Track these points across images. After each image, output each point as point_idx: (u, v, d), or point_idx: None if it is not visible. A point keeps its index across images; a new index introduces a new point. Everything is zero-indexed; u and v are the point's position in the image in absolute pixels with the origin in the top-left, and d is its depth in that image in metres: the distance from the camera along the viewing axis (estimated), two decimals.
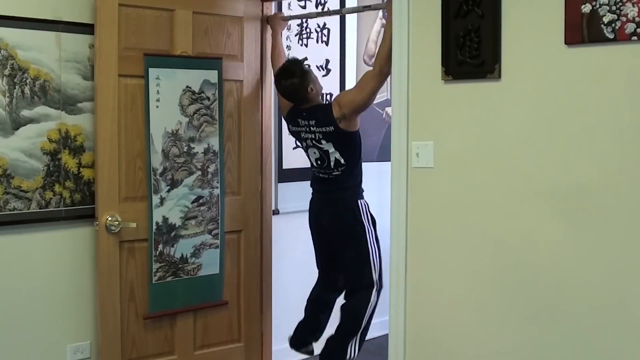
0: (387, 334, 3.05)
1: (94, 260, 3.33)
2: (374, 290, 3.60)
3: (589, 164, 2.41)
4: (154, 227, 3.36)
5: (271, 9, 3.87)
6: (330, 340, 3.74)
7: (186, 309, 3.51)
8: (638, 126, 2.30)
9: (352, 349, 3.66)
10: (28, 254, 3.18)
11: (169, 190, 3.39)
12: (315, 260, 3.87)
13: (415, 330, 2.91)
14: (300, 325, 3.86)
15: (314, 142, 3.57)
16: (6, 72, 3.06)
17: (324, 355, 3.77)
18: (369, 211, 3.63)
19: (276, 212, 4.10)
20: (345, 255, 3.65)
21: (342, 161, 3.54)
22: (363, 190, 3.67)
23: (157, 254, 3.38)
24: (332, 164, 3.56)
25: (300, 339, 3.84)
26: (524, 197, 2.57)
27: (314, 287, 3.88)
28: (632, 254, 2.33)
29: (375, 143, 4.80)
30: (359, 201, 3.60)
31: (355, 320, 3.62)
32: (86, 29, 3.23)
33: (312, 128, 3.55)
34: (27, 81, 3.12)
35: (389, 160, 2.97)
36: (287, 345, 4.16)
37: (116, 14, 3.21)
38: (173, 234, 3.42)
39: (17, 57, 3.08)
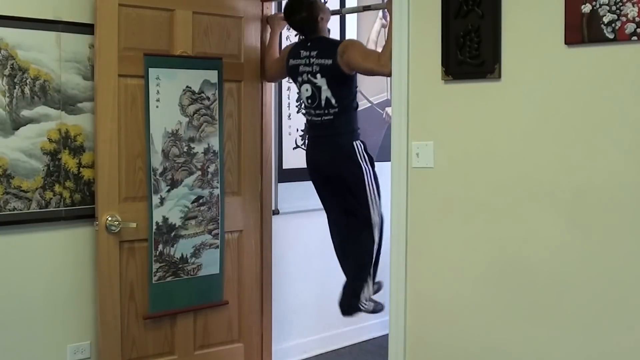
0: (387, 334, 3.05)
1: (94, 260, 3.33)
2: (375, 229, 3.59)
3: (589, 163, 2.41)
4: (154, 227, 3.36)
5: (271, 9, 3.87)
6: (344, 286, 3.71)
7: (186, 309, 3.50)
8: (638, 126, 2.30)
9: (367, 290, 3.64)
10: (28, 254, 3.18)
11: (169, 190, 3.39)
12: (328, 218, 3.82)
13: (415, 330, 2.91)
14: (344, 287, 3.78)
15: (309, 76, 3.56)
16: (6, 72, 3.06)
17: (341, 302, 3.73)
18: (366, 151, 3.61)
19: (276, 212, 4.11)
20: (345, 198, 3.63)
21: (333, 102, 3.52)
22: (359, 134, 3.65)
23: (157, 254, 3.38)
24: (322, 102, 3.54)
25: (344, 302, 3.77)
26: (524, 197, 2.57)
27: (332, 237, 3.81)
28: (633, 255, 2.33)
29: (375, 143, 4.80)
30: (354, 142, 3.58)
31: (362, 261, 3.61)
32: (86, 29, 3.23)
33: (311, 60, 3.55)
34: (27, 81, 3.12)
35: (389, 160, 2.97)
36: (287, 345, 4.18)
37: (116, 14, 3.21)
38: (173, 234, 3.42)
39: (17, 57, 3.08)
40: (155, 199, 3.35)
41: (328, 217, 3.81)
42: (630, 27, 2.28)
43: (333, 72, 3.49)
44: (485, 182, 2.68)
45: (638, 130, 2.30)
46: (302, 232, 4.37)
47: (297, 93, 3.73)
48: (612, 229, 2.37)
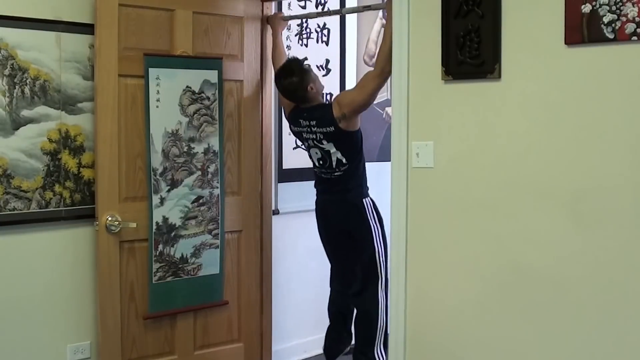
0: (387, 334, 3.05)
1: (94, 260, 3.33)
2: (380, 288, 3.60)
3: (588, 164, 2.41)
4: (154, 227, 3.36)
5: (271, 9, 3.87)
6: (355, 352, 3.73)
7: (186, 309, 3.50)
8: (638, 126, 2.30)
9: (379, 352, 3.66)
10: (28, 254, 3.18)
11: (169, 190, 3.39)
12: (329, 275, 3.86)
13: (415, 330, 2.91)
14: (329, 333, 3.85)
15: (315, 142, 3.57)
16: (6, 72, 3.06)
17: (327, 347, 3.77)
18: (375, 209, 3.63)
19: (276, 212, 4.10)
20: (353, 255, 3.65)
21: (344, 161, 3.54)
22: (368, 189, 3.67)
23: (157, 254, 3.38)
24: (334, 164, 3.56)
25: (334, 350, 3.85)
26: (524, 197, 2.57)
27: (331, 292, 3.86)
28: (634, 255, 2.33)
29: (375, 143, 4.80)
30: (364, 200, 3.60)
31: (371, 324, 3.62)
32: (86, 29, 3.23)
33: (313, 128, 3.55)
34: (27, 81, 3.12)
35: (389, 160, 2.97)
36: (287, 345, 4.18)
37: (116, 14, 3.21)
38: (173, 234, 3.42)
39: (17, 57, 3.08)
40: (155, 199, 3.35)
41: (332, 285, 3.85)
42: (630, 27, 2.28)
43: (338, 137, 3.49)
44: (485, 182, 2.68)
45: (638, 130, 2.30)
46: (302, 232, 4.37)
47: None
48: (613, 229, 2.37)
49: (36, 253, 3.20)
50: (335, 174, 3.59)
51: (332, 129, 3.48)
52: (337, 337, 3.84)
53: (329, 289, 3.90)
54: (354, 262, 3.65)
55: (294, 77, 3.52)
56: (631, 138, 2.31)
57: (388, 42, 3.19)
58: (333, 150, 3.53)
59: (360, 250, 3.61)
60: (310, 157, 3.68)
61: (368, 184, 3.68)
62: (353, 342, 3.83)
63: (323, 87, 3.72)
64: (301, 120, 3.61)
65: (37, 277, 3.21)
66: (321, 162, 3.60)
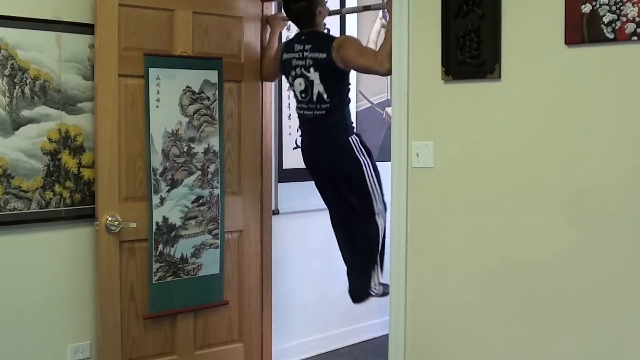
0: (387, 334, 3.05)
1: (94, 260, 3.33)
2: (379, 218, 3.59)
3: (589, 164, 2.41)
4: (154, 227, 3.36)
5: (271, 9, 3.87)
6: (352, 274, 3.72)
7: (186, 309, 3.50)
8: (638, 126, 2.30)
9: (375, 276, 3.65)
10: (28, 254, 3.18)
11: (169, 190, 3.39)
12: (330, 215, 3.82)
13: (415, 330, 2.91)
14: (349, 274, 3.79)
15: (302, 70, 3.53)
16: (6, 72, 3.06)
17: (350, 290, 3.74)
18: (362, 144, 3.60)
19: (276, 212, 4.10)
20: (347, 192, 3.64)
21: (325, 97, 3.50)
22: (354, 128, 3.66)
23: (157, 254, 3.38)
24: (314, 97, 3.52)
25: (354, 290, 3.77)
26: (524, 197, 2.57)
27: (333, 226, 3.81)
28: (634, 255, 2.33)
29: (375, 143, 4.80)
30: (349, 138, 3.57)
31: (369, 248, 3.61)
32: (86, 29, 3.23)
33: (305, 53, 3.52)
34: (27, 81, 3.12)
35: (389, 160, 2.97)
36: (287, 345, 4.17)
37: (116, 14, 3.21)
38: (173, 234, 3.42)
39: (17, 57, 3.08)
40: (156, 199, 3.35)
41: (329, 211, 3.81)
42: (630, 27, 2.28)
43: (327, 67, 3.46)
44: (485, 182, 2.68)
45: (638, 130, 2.30)
46: (302, 232, 4.37)
47: (290, 88, 3.70)
48: (613, 229, 2.37)
49: (36, 253, 3.20)
50: (317, 112, 3.55)
51: (324, 55, 3.45)
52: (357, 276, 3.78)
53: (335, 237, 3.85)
54: (350, 202, 3.64)
55: (302, 1, 3.51)
56: (631, 138, 2.32)
57: (389, 43, 3.20)
58: (317, 81, 3.49)
59: (355, 186, 3.59)
60: (294, 91, 3.64)
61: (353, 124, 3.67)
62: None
63: (328, 10, 3.70)
64: (296, 45, 3.57)
65: (37, 277, 3.21)
66: (303, 94, 3.56)
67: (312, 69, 3.50)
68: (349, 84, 3.63)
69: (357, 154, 3.56)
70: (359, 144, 3.59)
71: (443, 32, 2.73)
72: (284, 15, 3.87)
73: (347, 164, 3.57)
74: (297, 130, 4.34)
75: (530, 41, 2.52)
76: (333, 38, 3.58)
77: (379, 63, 3.26)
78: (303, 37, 3.58)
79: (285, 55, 3.63)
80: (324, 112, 3.54)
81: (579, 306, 2.46)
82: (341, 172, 3.61)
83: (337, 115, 3.57)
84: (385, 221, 3.63)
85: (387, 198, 3.23)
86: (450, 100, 2.75)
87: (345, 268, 3.76)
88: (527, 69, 2.54)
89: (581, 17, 2.37)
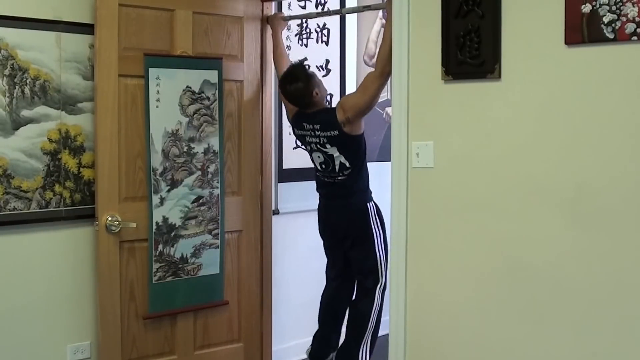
0: (387, 334, 3.05)
1: (94, 260, 3.33)
2: (378, 289, 3.61)
3: (589, 163, 2.41)
4: (154, 227, 3.36)
5: (271, 9, 3.87)
6: (340, 349, 3.75)
7: (186, 309, 3.51)
8: (638, 126, 2.30)
9: (364, 354, 3.67)
10: (28, 254, 3.18)
11: (169, 190, 3.39)
12: (325, 267, 3.86)
13: (416, 330, 2.91)
14: (317, 337, 3.84)
15: (318, 146, 3.56)
16: (6, 72, 3.06)
17: (312, 354, 3.77)
18: (379, 213, 3.63)
19: (276, 212, 4.10)
20: (354, 259, 3.66)
21: (348, 165, 3.53)
22: (371, 192, 3.67)
23: (157, 254, 3.38)
24: (337, 168, 3.55)
25: (320, 353, 3.83)
26: (524, 197, 2.57)
27: (324, 295, 3.86)
28: (633, 255, 2.33)
29: (375, 143, 4.80)
30: (367, 204, 3.61)
31: (362, 325, 3.63)
32: (86, 29, 3.23)
33: (316, 132, 3.54)
34: (27, 81, 3.12)
35: (389, 160, 2.97)
36: (287, 345, 4.18)
37: (116, 14, 3.21)
38: (173, 234, 3.42)
39: (17, 57, 3.08)
40: (155, 199, 3.35)
41: (328, 273, 3.84)
42: (630, 27, 2.28)
43: (342, 140, 3.49)
44: (485, 182, 2.68)
45: (638, 130, 2.30)
46: (302, 232, 4.37)
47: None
48: (613, 229, 2.37)
49: (36, 253, 3.20)
50: (339, 178, 3.58)
51: (337, 132, 3.48)
52: (325, 341, 3.82)
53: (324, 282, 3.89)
54: (355, 266, 3.67)
55: (299, 82, 3.50)
56: (631, 138, 2.32)
57: (388, 43, 3.19)
58: (337, 154, 3.52)
59: (362, 256, 3.62)
60: (313, 161, 3.67)
61: (370, 188, 3.68)
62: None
63: (327, 91, 3.72)
64: (305, 124, 3.60)
65: (37, 277, 3.21)
66: (324, 166, 3.60)
67: (328, 145, 3.53)
68: (365, 144, 3.62)
69: (372, 223, 3.60)
70: (375, 212, 3.62)
71: (443, 32, 2.73)
72: (284, 14, 3.87)
73: (361, 228, 3.59)
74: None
75: (530, 41, 2.52)
76: (335, 111, 3.50)
77: (380, 70, 3.30)
78: (309, 117, 3.57)
79: (298, 132, 3.68)
80: (345, 177, 3.57)
81: (579, 306, 2.46)
82: (353, 235, 3.62)
83: (358, 177, 3.59)
84: (382, 301, 3.63)
85: (386, 210, 3.22)
86: (450, 100, 2.75)
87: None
88: (527, 69, 2.54)
89: (581, 17, 2.37)
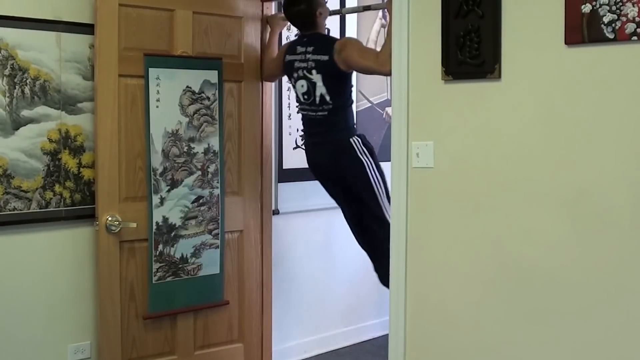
0: (387, 334, 3.05)
1: (94, 260, 3.33)
2: (387, 216, 3.56)
3: (589, 164, 2.41)
4: (154, 227, 3.36)
5: (271, 9, 3.87)
6: (374, 262, 3.74)
7: (186, 309, 3.50)
8: (638, 126, 2.30)
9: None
10: (28, 254, 3.18)
11: (169, 190, 3.39)
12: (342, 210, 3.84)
13: (415, 330, 2.91)
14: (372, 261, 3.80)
15: (304, 72, 3.55)
16: (6, 72, 3.06)
17: (379, 278, 3.74)
18: (365, 143, 3.61)
19: (276, 212, 4.11)
20: (353, 193, 3.66)
21: (328, 99, 3.52)
22: (356, 129, 3.67)
23: (157, 254, 3.38)
24: (317, 99, 3.54)
25: (382, 279, 3.75)
26: (524, 198, 2.57)
27: (352, 231, 3.82)
28: (633, 255, 2.33)
29: (375, 143, 4.79)
30: (351, 139, 3.58)
31: (383, 248, 3.58)
32: (86, 29, 3.23)
33: (307, 55, 3.54)
34: (27, 81, 3.12)
35: (389, 160, 2.97)
36: (287, 345, 4.18)
37: (116, 14, 3.21)
38: (173, 234, 3.42)
39: (17, 57, 3.08)
40: (156, 199, 3.35)
41: (342, 210, 3.83)
42: (630, 27, 2.28)
43: (329, 69, 3.48)
44: (486, 182, 2.68)
45: (638, 130, 2.30)
46: (302, 232, 4.37)
47: (292, 88, 3.73)
48: (612, 229, 2.37)
49: (36, 253, 3.20)
50: (319, 113, 3.57)
51: (327, 58, 3.47)
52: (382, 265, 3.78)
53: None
54: (358, 199, 3.66)
55: (301, 4, 3.54)
56: (632, 138, 2.31)
57: (389, 43, 3.20)
58: (319, 83, 3.51)
59: (358, 189, 3.61)
60: (296, 93, 3.66)
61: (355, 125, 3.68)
62: None
63: (328, 10, 3.69)
64: (299, 47, 3.59)
65: (38, 277, 3.20)
66: (305, 96, 3.59)
67: (314, 71, 3.51)
68: (352, 85, 3.65)
69: (360, 155, 3.58)
70: (361, 144, 3.60)
71: (443, 32, 2.73)
72: (284, 15, 3.87)
73: (350, 165, 3.58)
74: (297, 130, 4.34)
75: (531, 41, 2.52)
76: (335, 40, 3.59)
77: (380, 64, 3.28)
78: (305, 39, 3.60)
79: (288, 57, 3.65)
80: (326, 113, 3.56)
81: (580, 308, 2.45)
82: (344, 173, 3.62)
83: (340, 116, 3.58)
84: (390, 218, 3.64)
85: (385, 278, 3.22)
86: (450, 100, 2.75)
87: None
88: (527, 68, 2.54)
89: (581, 17, 2.37)
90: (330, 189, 3.79)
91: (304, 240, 4.39)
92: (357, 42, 3.64)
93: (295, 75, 3.62)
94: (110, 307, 3.29)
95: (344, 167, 3.60)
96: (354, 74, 4.66)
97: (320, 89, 3.52)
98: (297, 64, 3.59)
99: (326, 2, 3.69)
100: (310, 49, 3.55)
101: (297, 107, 3.74)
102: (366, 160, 3.58)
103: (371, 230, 3.69)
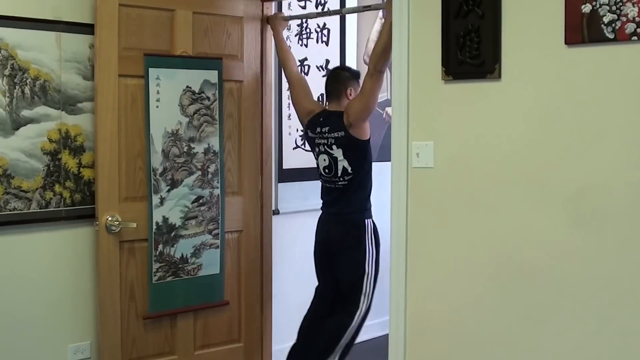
0: (387, 334, 3.05)
1: (94, 260, 3.33)
2: (358, 313, 3.56)
3: (589, 163, 2.41)
4: (154, 227, 3.36)
5: (271, 9, 3.87)
6: (297, 351, 3.72)
7: (186, 309, 3.50)
8: (638, 126, 2.30)
9: None
10: (28, 254, 3.18)
11: (169, 190, 3.39)
12: (317, 282, 3.82)
13: (415, 331, 2.91)
14: (294, 350, 3.79)
15: (325, 147, 3.61)
16: (6, 72, 3.06)
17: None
18: (375, 233, 3.62)
19: (276, 212, 4.11)
20: (342, 271, 3.63)
21: (350, 170, 3.57)
22: (371, 209, 3.66)
23: (157, 254, 3.38)
24: (339, 172, 3.58)
25: None
26: (525, 197, 2.57)
27: (311, 311, 3.81)
28: (632, 254, 2.33)
29: (375, 143, 4.79)
30: (365, 220, 3.61)
31: (333, 339, 3.59)
32: (86, 29, 3.23)
33: (325, 134, 3.61)
34: (27, 81, 3.12)
35: (389, 160, 2.98)
36: (287, 345, 4.16)
37: (116, 14, 3.21)
38: (173, 234, 3.42)
39: (17, 57, 3.08)
40: (156, 199, 3.35)
41: (317, 291, 3.80)
42: (630, 27, 2.28)
43: (347, 143, 3.54)
44: (486, 182, 2.68)
45: (638, 130, 2.30)
46: (302, 232, 4.36)
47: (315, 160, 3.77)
48: (612, 229, 2.37)
49: (36, 253, 3.20)
50: (339, 183, 3.60)
51: (343, 134, 3.54)
52: (302, 355, 3.77)
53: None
54: (341, 280, 3.63)
55: (347, 72, 3.78)
56: (631, 137, 2.32)
57: (382, 40, 3.26)
58: (340, 157, 3.56)
59: (350, 269, 3.58)
60: (318, 166, 3.70)
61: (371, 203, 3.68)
62: None
63: (359, 87, 3.62)
64: (318, 127, 3.65)
65: (37, 277, 3.20)
66: (327, 170, 3.63)
67: (334, 147, 3.58)
68: (371, 160, 3.66)
69: (366, 240, 3.58)
70: (372, 230, 3.61)
71: (443, 32, 2.73)
72: (284, 14, 3.88)
73: (353, 244, 3.58)
74: (297, 130, 4.34)
75: (531, 41, 2.52)
76: (342, 114, 3.58)
77: (370, 73, 3.39)
78: (322, 119, 3.65)
79: (310, 134, 3.72)
80: (346, 182, 3.59)
81: (580, 307, 2.46)
82: (344, 248, 3.61)
83: (359, 188, 3.60)
84: (361, 322, 3.60)
85: (386, 210, 3.19)
86: (450, 100, 2.75)
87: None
88: (527, 69, 2.54)
89: (581, 17, 2.37)
90: (323, 266, 3.72)
91: (304, 240, 4.38)
92: (354, 98, 3.62)
93: (317, 150, 3.69)
94: (110, 307, 3.29)
95: (347, 242, 3.58)
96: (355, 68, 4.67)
97: (342, 162, 3.58)
98: (317, 141, 3.66)
99: (358, 78, 3.72)
100: (326, 128, 3.61)
101: (320, 179, 3.74)
102: (370, 249, 3.57)
103: (335, 316, 3.63)
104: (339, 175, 3.59)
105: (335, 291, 3.70)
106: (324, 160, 3.63)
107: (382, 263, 3.59)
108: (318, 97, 4.29)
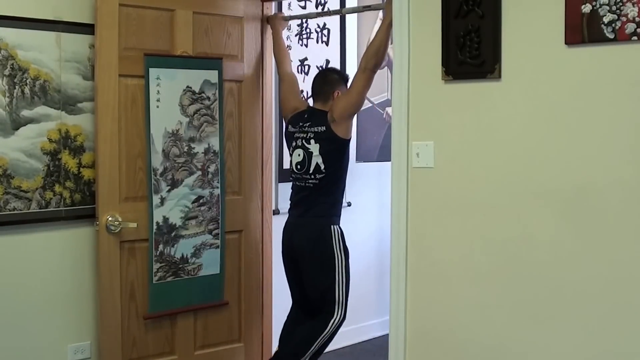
0: (387, 334, 3.05)
1: (94, 260, 3.33)
2: (332, 321, 3.52)
3: (589, 163, 2.41)
4: (155, 227, 3.36)
5: (271, 9, 3.87)
6: (275, 358, 3.68)
7: (186, 309, 3.50)
8: (638, 126, 2.30)
9: None
10: (28, 254, 3.18)
11: (169, 190, 3.39)
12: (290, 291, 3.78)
13: (415, 330, 2.91)
14: (274, 357, 3.74)
15: (303, 141, 3.57)
16: (6, 72, 3.06)
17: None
18: (343, 239, 3.55)
19: (276, 212, 4.10)
20: (311, 279, 3.58)
21: (322, 168, 3.51)
22: (339, 215, 3.60)
23: (158, 254, 3.38)
24: (311, 168, 3.53)
25: None
26: (524, 197, 2.57)
27: (289, 318, 3.76)
28: (632, 254, 2.33)
29: (375, 143, 4.80)
30: (332, 226, 3.53)
31: (304, 345, 3.54)
32: (86, 29, 3.23)
33: (306, 127, 3.58)
34: (27, 81, 3.12)
35: (389, 160, 2.98)
36: None
37: (116, 14, 3.21)
38: (173, 234, 3.42)
39: (17, 57, 3.08)
40: (156, 199, 3.35)
41: (292, 299, 3.76)
42: (630, 27, 2.28)
43: (326, 138, 3.50)
44: (486, 182, 2.68)
45: (638, 130, 2.30)
46: None
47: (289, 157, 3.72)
48: (612, 229, 2.37)
49: (36, 253, 3.20)
50: (310, 181, 3.54)
51: (324, 129, 3.51)
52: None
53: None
54: (310, 289, 3.59)
55: (335, 74, 3.76)
56: (631, 138, 2.32)
57: (377, 40, 3.27)
58: (316, 153, 3.52)
59: (318, 279, 3.53)
60: (291, 163, 3.65)
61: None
62: None
63: (351, 109, 3.56)
64: (300, 122, 3.62)
65: (37, 277, 3.20)
66: (299, 166, 3.58)
67: (312, 141, 3.54)
68: (348, 158, 3.61)
69: (335, 247, 3.51)
70: (339, 237, 3.53)
71: (443, 32, 2.73)
72: (284, 14, 3.88)
73: (319, 254, 3.51)
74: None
75: (531, 41, 2.52)
76: (327, 111, 3.57)
77: (366, 60, 3.38)
78: (306, 115, 3.63)
79: (291, 128, 3.69)
80: (317, 181, 3.53)
81: (579, 306, 2.46)
82: (310, 257, 3.54)
83: (329, 190, 3.54)
84: (336, 329, 3.54)
85: (386, 211, 3.18)
86: (450, 100, 2.75)
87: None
88: (527, 69, 2.54)
89: (581, 17, 2.37)
90: (292, 273, 3.67)
91: None
92: (341, 94, 3.61)
93: (293, 144, 3.64)
94: (110, 307, 3.29)
95: (315, 250, 3.51)
96: (355, 70, 4.67)
97: (317, 158, 3.52)
98: (296, 135, 3.63)
99: (347, 82, 3.70)
100: (308, 123, 3.59)
101: (290, 178, 3.70)
102: (339, 255, 3.51)
103: (302, 328, 3.59)
104: (311, 172, 3.54)
105: (305, 298, 3.65)
106: (298, 155, 3.59)
107: (383, 266, 3.55)
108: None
